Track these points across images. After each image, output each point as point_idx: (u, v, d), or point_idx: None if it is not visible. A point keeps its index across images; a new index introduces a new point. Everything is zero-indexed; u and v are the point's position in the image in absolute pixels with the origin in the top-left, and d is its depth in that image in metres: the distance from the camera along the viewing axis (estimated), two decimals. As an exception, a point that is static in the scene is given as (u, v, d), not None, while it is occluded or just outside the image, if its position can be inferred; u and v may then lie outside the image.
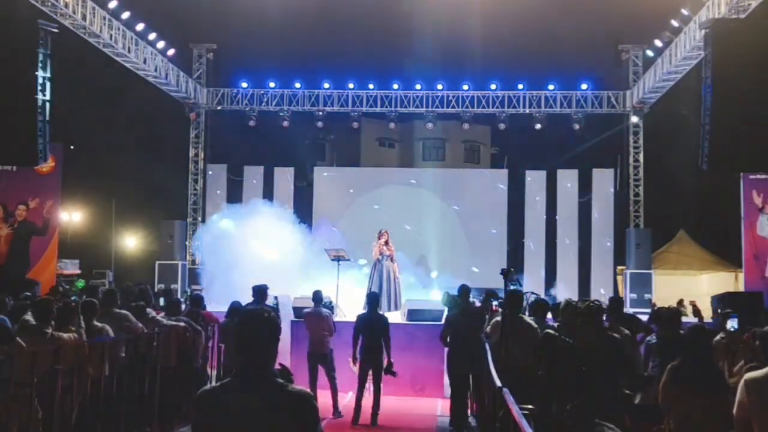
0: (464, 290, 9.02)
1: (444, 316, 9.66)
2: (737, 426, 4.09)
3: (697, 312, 15.91)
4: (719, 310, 10.52)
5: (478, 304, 9.70)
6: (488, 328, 7.98)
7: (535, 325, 7.70)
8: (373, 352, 9.26)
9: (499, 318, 7.92)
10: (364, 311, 9.65)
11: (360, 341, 9.30)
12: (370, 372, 9.38)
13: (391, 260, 13.52)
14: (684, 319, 13.63)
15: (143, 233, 26.82)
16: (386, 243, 13.41)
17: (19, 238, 16.20)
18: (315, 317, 9.79)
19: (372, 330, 9.31)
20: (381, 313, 9.97)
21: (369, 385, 9.44)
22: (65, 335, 6.40)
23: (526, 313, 9.34)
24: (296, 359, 10.79)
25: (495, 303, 9.03)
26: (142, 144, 22.69)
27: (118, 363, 7.34)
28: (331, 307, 10.78)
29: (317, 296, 10.02)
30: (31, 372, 5.71)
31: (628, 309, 13.83)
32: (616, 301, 9.11)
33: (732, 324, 7.06)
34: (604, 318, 7.33)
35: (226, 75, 20.15)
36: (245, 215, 16.10)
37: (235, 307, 9.68)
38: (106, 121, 22.57)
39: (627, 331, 7.21)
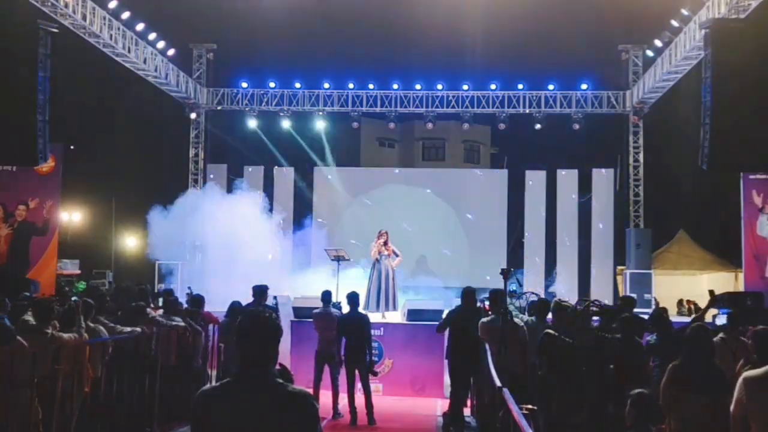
0: (468, 291, 9.08)
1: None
2: (735, 424, 4.11)
3: (697, 310, 15.92)
4: (719, 310, 10.52)
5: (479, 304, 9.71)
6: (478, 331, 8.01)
7: (522, 324, 7.74)
8: (358, 352, 9.29)
9: (485, 320, 7.95)
10: (346, 312, 9.69)
11: (343, 342, 9.34)
12: (357, 372, 9.42)
13: (395, 255, 13.49)
14: (685, 319, 13.67)
15: (143, 233, 26.80)
16: (385, 243, 13.41)
17: (19, 238, 16.19)
18: (325, 318, 9.78)
19: (354, 330, 9.33)
20: (362, 312, 9.98)
21: (358, 384, 9.47)
22: (65, 335, 6.40)
23: (526, 313, 9.38)
24: (296, 359, 10.80)
25: (486, 303, 9.08)
26: (142, 144, 22.69)
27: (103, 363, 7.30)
28: (339, 307, 10.78)
29: (326, 297, 9.99)
30: (31, 372, 5.71)
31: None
32: (627, 301, 9.07)
33: (721, 320, 7.06)
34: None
35: (226, 75, 20.15)
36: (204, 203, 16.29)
37: (235, 307, 9.69)
38: (106, 121, 22.59)
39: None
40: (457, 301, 9.69)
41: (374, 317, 11.33)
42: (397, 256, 13.61)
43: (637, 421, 4.62)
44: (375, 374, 9.81)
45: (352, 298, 9.64)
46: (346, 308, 10.04)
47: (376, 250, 13.39)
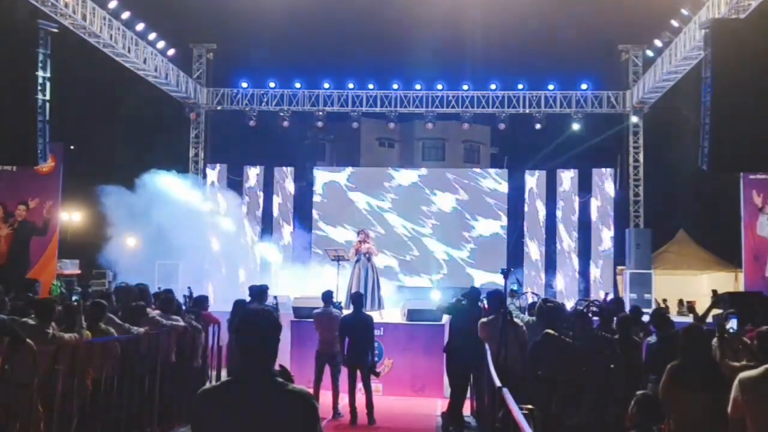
0: (475, 291, 9.09)
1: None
2: (732, 425, 4.11)
3: (691, 309, 15.95)
4: (723, 311, 10.51)
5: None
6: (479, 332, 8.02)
7: (521, 323, 7.75)
8: (360, 352, 9.28)
9: (485, 320, 7.96)
10: (349, 312, 9.70)
11: (346, 342, 9.34)
12: (359, 372, 9.42)
13: (368, 259, 13.45)
14: (684, 319, 13.68)
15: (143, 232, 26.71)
16: (363, 242, 13.43)
17: (19, 238, 16.20)
18: (326, 317, 9.76)
19: (357, 331, 9.32)
20: (366, 313, 9.97)
21: (359, 385, 9.47)
22: (66, 336, 6.39)
23: (526, 313, 9.37)
24: (296, 359, 10.80)
25: (485, 302, 9.07)
26: (142, 144, 22.67)
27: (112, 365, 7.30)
28: (339, 307, 10.78)
29: (327, 296, 9.98)
30: (31, 372, 5.71)
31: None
32: (619, 302, 9.12)
33: (731, 325, 7.05)
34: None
35: (226, 75, 20.17)
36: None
37: (239, 304, 9.65)
38: (106, 121, 22.58)
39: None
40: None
41: (374, 317, 11.33)
42: (374, 253, 13.60)
43: (641, 421, 4.62)
44: (377, 375, 9.76)
45: (357, 298, 9.62)
46: (346, 308, 10.03)
47: (354, 249, 13.45)
